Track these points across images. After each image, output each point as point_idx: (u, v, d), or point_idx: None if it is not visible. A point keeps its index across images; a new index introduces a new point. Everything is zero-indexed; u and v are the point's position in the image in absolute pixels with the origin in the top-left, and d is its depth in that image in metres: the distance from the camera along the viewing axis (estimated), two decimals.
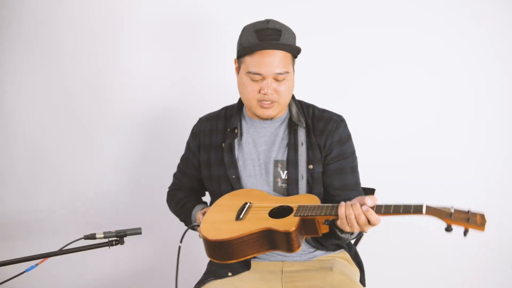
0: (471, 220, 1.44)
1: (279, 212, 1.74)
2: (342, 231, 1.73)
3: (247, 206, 1.79)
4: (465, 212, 1.48)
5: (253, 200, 1.82)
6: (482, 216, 1.47)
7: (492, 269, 2.71)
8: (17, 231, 2.86)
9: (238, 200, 1.83)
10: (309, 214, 1.65)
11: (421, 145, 2.67)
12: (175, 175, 2.20)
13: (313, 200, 1.76)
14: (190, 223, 2.04)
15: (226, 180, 1.93)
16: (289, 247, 1.65)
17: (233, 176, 1.91)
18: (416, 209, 1.51)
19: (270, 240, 1.67)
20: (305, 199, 1.78)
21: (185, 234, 1.83)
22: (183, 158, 2.14)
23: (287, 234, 1.63)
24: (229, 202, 1.84)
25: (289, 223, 1.65)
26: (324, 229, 1.70)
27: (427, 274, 2.73)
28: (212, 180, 1.98)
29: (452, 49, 2.63)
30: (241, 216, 1.74)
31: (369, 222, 1.59)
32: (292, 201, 1.77)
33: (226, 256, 1.69)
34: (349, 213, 1.60)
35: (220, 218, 1.77)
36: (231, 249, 1.67)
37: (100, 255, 2.45)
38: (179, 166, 2.17)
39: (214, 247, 1.69)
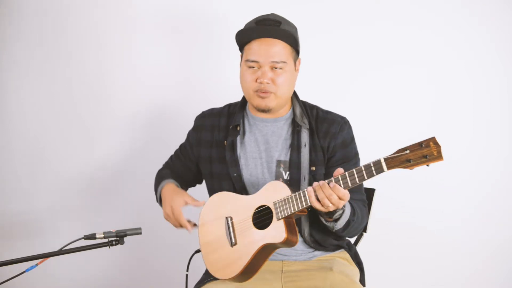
0: (429, 156, 1.49)
1: (261, 219, 1.77)
2: (326, 220, 1.75)
3: (230, 224, 1.81)
4: (418, 146, 1.52)
5: (228, 211, 1.83)
6: (433, 140, 1.50)
7: (492, 269, 2.70)
8: (17, 231, 2.85)
9: (216, 214, 1.84)
10: (289, 212, 1.68)
11: None
12: (170, 157, 2.18)
13: (280, 188, 1.73)
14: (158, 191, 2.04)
15: (227, 178, 1.93)
16: (289, 245, 1.74)
17: (235, 174, 1.91)
18: (377, 167, 1.55)
19: (271, 249, 1.76)
20: (272, 190, 1.75)
21: (190, 262, 1.96)
22: (182, 145, 2.14)
23: (283, 242, 1.70)
24: (210, 220, 1.85)
25: (279, 232, 1.70)
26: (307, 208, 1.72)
27: (427, 274, 2.72)
28: (213, 177, 1.97)
29: (452, 49, 2.62)
30: (233, 241, 1.78)
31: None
32: (262, 199, 1.76)
33: (245, 278, 1.79)
34: (322, 197, 1.61)
35: (218, 252, 1.81)
36: (246, 275, 1.78)
37: (100, 255, 2.45)
38: (176, 151, 2.16)
39: (233, 281, 1.80)
